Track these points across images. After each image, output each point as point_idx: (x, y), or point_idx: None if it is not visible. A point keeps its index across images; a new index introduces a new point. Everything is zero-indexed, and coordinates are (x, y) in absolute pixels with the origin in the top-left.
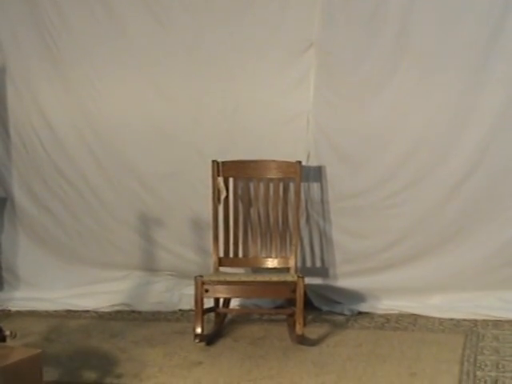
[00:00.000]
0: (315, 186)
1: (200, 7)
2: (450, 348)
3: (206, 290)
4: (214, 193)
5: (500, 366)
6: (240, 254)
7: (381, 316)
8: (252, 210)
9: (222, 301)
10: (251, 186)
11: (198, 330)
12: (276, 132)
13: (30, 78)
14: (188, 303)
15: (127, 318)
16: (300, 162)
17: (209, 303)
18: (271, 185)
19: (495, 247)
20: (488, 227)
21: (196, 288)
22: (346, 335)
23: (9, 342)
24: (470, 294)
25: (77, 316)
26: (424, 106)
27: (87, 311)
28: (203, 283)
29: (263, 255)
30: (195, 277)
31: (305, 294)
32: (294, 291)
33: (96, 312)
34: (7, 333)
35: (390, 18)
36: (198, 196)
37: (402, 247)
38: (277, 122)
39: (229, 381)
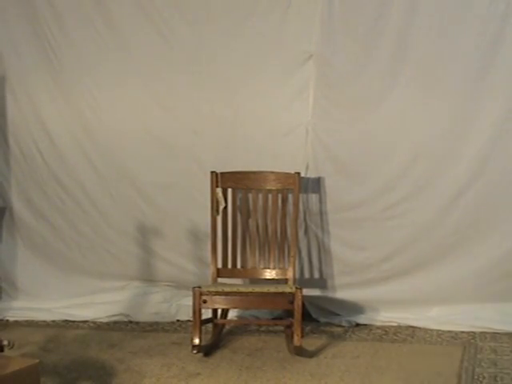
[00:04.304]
0: (314, 198)
1: (201, 19)
2: (447, 360)
3: (204, 301)
4: (212, 204)
5: (498, 378)
6: (238, 265)
7: (379, 328)
8: (250, 221)
9: (219, 312)
10: (250, 197)
11: (196, 341)
12: (275, 143)
13: (29, 89)
14: (186, 314)
15: (125, 328)
16: (299, 174)
17: (207, 314)
18: (270, 196)
19: (494, 259)
20: (487, 239)
21: (194, 299)
22: (343, 347)
23: (6, 352)
24: (468, 307)
25: (75, 326)
26: (423, 117)
27: (85, 321)
28: (201, 294)
29: (261, 266)
30: (193, 287)
31: (303, 305)
32: (292, 302)
33: (94, 322)
34: (5, 343)
35: (390, 30)
36: (196, 207)
37: (400, 259)
38: (276, 134)
39: None
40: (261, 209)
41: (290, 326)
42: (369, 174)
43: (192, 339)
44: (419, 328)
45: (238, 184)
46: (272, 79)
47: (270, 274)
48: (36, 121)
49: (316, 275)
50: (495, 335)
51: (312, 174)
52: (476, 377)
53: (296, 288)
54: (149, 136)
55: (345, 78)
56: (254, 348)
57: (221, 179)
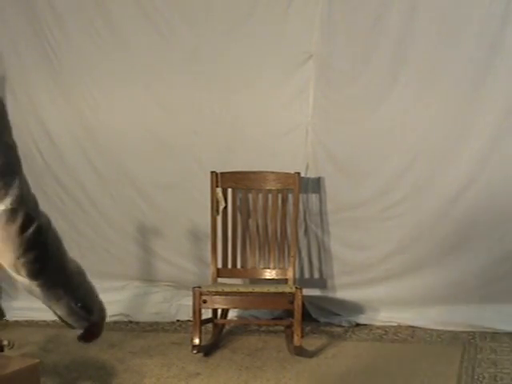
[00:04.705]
0: (314, 198)
1: (200, 19)
2: (447, 360)
3: (204, 301)
4: (212, 204)
5: (498, 378)
6: (238, 265)
7: (379, 328)
8: (250, 221)
9: (219, 312)
10: (250, 197)
11: (196, 341)
12: (275, 143)
13: (29, 89)
14: (186, 314)
15: (125, 328)
16: (299, 174)
17: (207, 314)
18: (270, 196)
19: (494, 259)
20: (487, 239)
21: (194, 299)
22: (343, 347)
23: (6, 352)
24: (468, 307)
25: None
26: (423, 118)
27: None
28: (201, 294)
29: (261, 266)
30: (193, 287)
31: (303, 305)
32: (292, 302)
33: None
34: (5, 343)
35: (390, 31)
36: (196, 207)
37: (400, 259)
38: (276, 134)
39: None
40: (261, 209)
41: (290, 326)
42: (369, 174)
43: (192, 339)
44: (419, 328)
45: (238, 184)
46: (272, 79)
47: (269, 274)
48: (36, 121)
49: (316, 275)
50: (495, 335)
51: (312, 174)
52: (476, 377)
53: (296, 288)
54: (149, 136)
55: (345, 78)
56: (253, 348)
57: (221, 179)
